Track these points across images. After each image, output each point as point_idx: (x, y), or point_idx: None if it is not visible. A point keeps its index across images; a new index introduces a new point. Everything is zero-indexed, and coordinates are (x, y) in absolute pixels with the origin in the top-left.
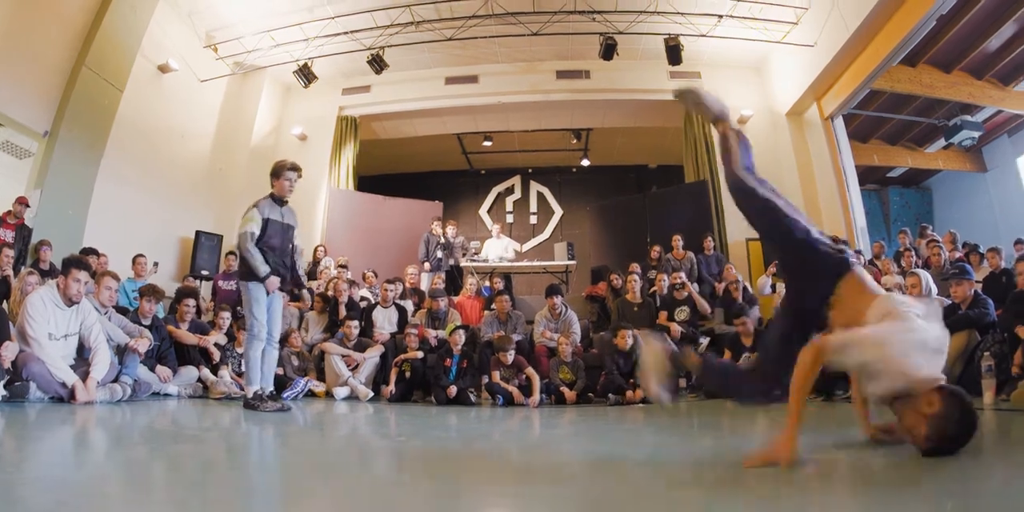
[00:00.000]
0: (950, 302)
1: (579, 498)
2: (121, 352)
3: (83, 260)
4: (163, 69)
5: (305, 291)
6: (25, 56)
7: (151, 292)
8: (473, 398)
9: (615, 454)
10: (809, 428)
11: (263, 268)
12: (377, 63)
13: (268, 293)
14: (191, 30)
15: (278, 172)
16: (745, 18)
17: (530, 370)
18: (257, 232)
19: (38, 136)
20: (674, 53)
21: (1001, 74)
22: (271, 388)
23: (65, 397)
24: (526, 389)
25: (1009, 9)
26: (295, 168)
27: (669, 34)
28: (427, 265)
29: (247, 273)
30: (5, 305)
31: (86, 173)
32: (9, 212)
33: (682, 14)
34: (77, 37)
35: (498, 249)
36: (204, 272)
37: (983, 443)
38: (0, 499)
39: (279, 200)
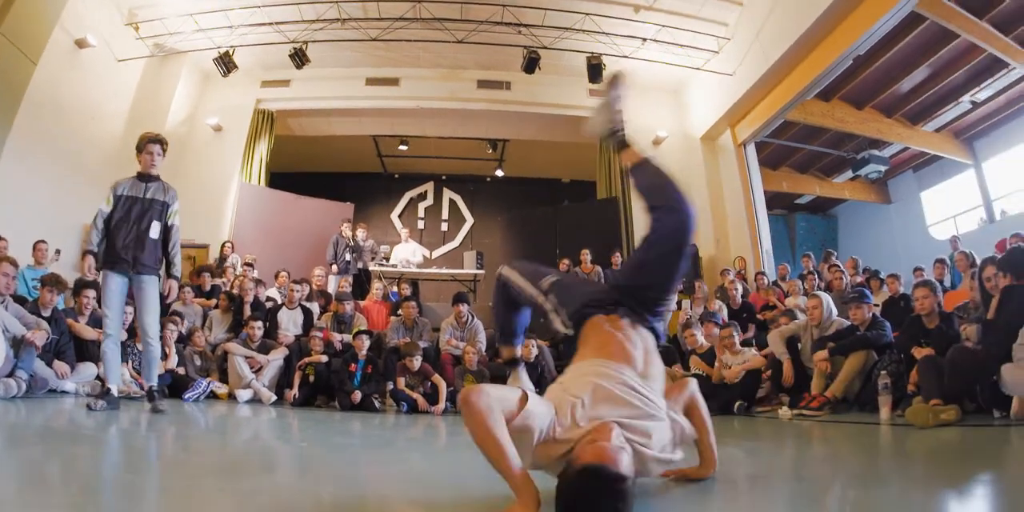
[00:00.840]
0: (849, 323)
1: (479, 505)
2: (17, 344)
3: None
4: (80, 44)
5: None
6: None
7: (54, 282)
8: (378, 404)
9: None
10: None
11: (89, 245)
12: (299, 57)
13: (86, 271)
14: (114, 6)
15: (140, 146)
16: (668, 43)
17: (437, 378)
18: (107, 210)
19: None
20: (595, 71)
21: (910, 114)
22: (148, 385)
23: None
24: (431, 397)
25: (923, 55)
26: (158, 140)
27: (592, 53)
28: (335, 267)
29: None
30: None
31: None
32: None
33: (607, 34)
34: None
35: (406, 253)
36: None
37: (880, 457)
38: None
39: (144, 176)
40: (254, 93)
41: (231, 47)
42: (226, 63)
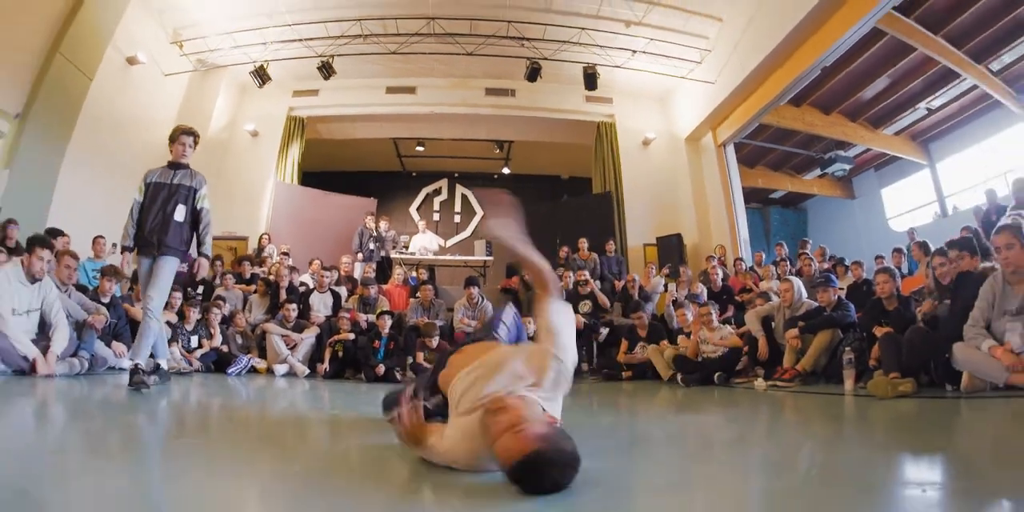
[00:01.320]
0: (817, 305)
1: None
2: (80, 328)
3: (46, 239)
4: (131, 61)
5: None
6: (1, 40)
7: (112, 272)
8: (399, 376)
9: None
10: None
11: (124, 241)
12: (326, 70)
13: (131, 264)
14: (160, 26)
15: (173, 136)
16: (656, 55)
17: None
18: (140, 199)
19: (10, 117)
20: (591, 80)
21: (872, 119)
22: (133, 363)
23: (26, 370)
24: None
25: (883, 66)
26: (190, 132)
27: (588, 63)
28: (360, 255)
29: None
30: None
31: (53, 155)
32: None
33: (601, 46)
34: (53, 25)
35: (424, 242)
36: None
37: (844, 425)
38: None
39: (174, 164)
40: (286, 102)
41: (265, 61)
42: (261, 75)
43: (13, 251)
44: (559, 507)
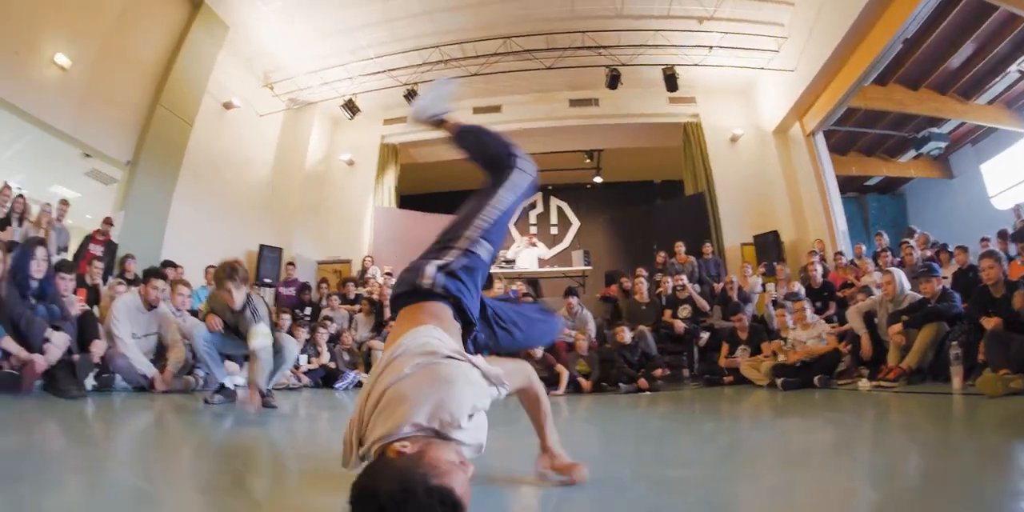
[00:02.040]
0: (921, 297)
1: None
2: (193, 349)
3: (160, 271)
4: (227, 106)
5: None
6: (109, 98)
7: None
8: None
9: (624, 436)
10: None
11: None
12: (412, 97)
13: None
14: (250, 72)
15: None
16: (733, 48)
17: (560, 366)
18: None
19: (121, 165)
20: (671, 81)
21: (963, 89)
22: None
23: (146, 386)
24: (547, 380)
25: (967, 30)
26: (229, 277)
27: (666, 64)
28: None
29: None
30: (96, 309)
31: (163, 196)
32: (98, 230)
33: (677, 46)
34: (152, 80)
35: (531, 255)
36: (267, 280)
37: (952, 426)
38: (92, 471)
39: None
40: (378, 130)
41: (353, 94)
42: (351, 108)
43: (132, 282)
44: None
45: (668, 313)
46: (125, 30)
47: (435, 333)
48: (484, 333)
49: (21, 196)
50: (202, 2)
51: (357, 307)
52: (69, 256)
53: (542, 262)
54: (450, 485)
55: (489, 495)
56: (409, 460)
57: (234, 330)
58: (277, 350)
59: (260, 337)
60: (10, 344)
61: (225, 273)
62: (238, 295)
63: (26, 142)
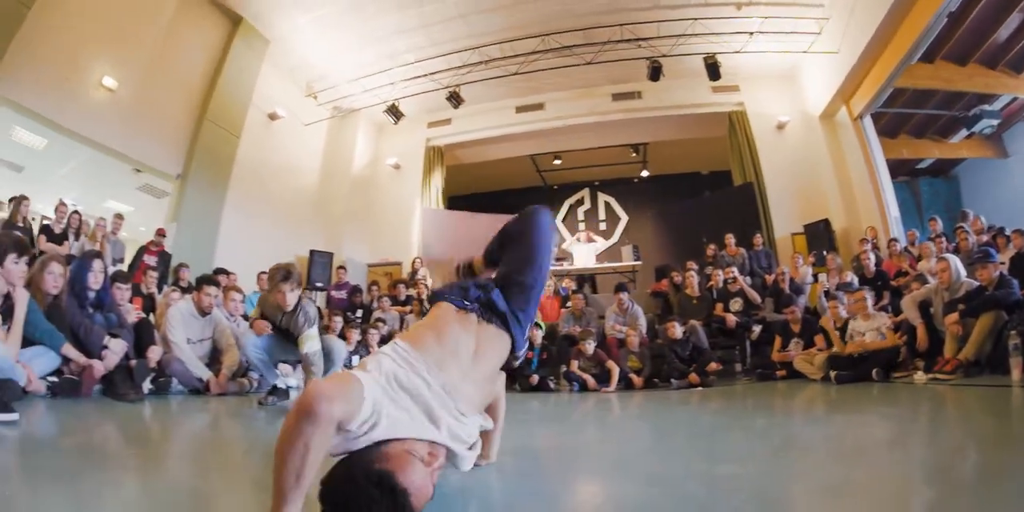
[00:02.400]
0: (978, 284)
1: (639, 472)
2: None
3: (212, 278)
4: (272, 117)
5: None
6: (157, 115)
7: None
8: (552, 385)
9: (675, 432)
10: None
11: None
12: (455, 99)
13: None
14: (293, 83)
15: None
16: (773, 33)
17: (611, 363)
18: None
19: (172, 178)
20: (713, 70)
21: (1013, 62)
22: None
23: (201, 389)
24: (598, 377)
25: (1014, 0)
26: (284, 279)
27: (707, 53)
28: None
29: None
30: (151, 317)
31: (214, 206)
32: (152, 241)
33: (716, 34)
34: (198, 96)
35: (589, 252)
36: (319, 284)
37: (1011, 421)
38: (148, 470)
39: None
40: (422, 134)
41: (396, 99)
42: (395, 113)
43: (186, 290)
44: (704, 510)
45: (720, 307)
46: (168, 50)
47: (398, 351)
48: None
49: (77, 212)
50: (241, 18)
51: (408, 308)
52: (125, 267)
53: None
54: (391, 469)
55: (541, 490)
56: (368, 450)
57: (283, 333)
58: (326, 352)
59: (310, 341)
60: (70, 351)
61: (280, 275)
62: (291, 297)
63: (80, 161)
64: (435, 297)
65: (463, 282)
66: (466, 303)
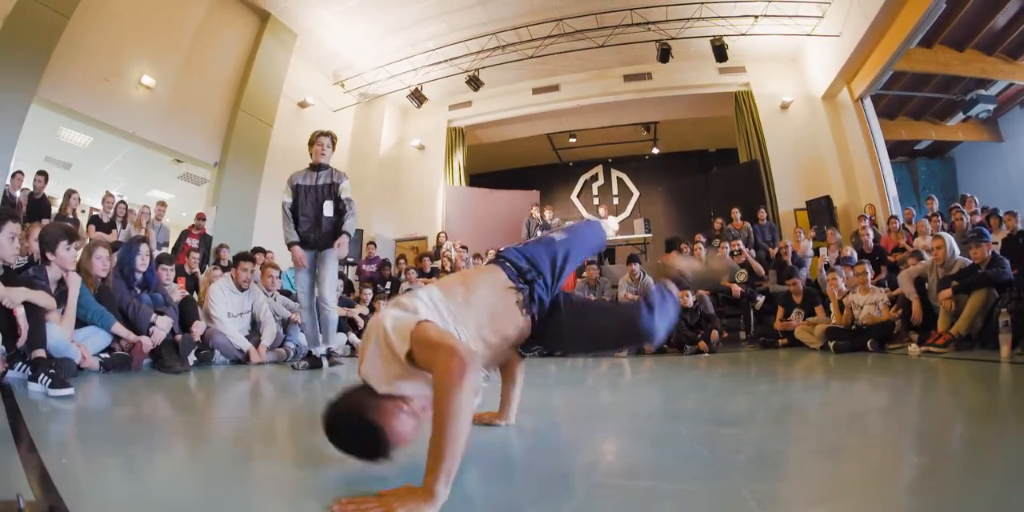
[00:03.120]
0: (971, 262)
1: (647, 432)
2: (285, 324)
3: (248, 254)
4: (302, 105)
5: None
6: (193, 108)
7: None
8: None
9: (682, 396)
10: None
11: (289, 237)
12: (474, 82)
13: (296, 263)
14: (321, 72)
15: (312, 140)
16: (778, 16)
17: None
18: (289, 201)
19: (210, 167)
20: (720, 52)
21: (1010, 49)
22: (326, 347)
23: (242, 360)
24: None
25: None
26: (326, 134)
27: (714, 36)
28: None
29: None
30: (195, 295)
31: (250, 190)
32: (193, 225)
33: (723, 17)
34: (232, 89)
35: (608, 227)
36: (350, 259)
37: (999, 395)
38: (192, 434)
39: (314, 166)
40: (444, 116)
41: (419, 84)
42: (418, 97)
43: (227, 269)
44: (708, 471)
45: (725, 278)
46: (201, 48)
47: (432, 297)
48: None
49: (123, 202)
50: (269, 14)
51: (434, 280)
52: (169, 250)
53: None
54: (379, 422)
55: (557, 447)
56: (368, 394)
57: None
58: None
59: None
60: (120, 329)
61: None
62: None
63: (123, 155)
64: (499, 257)
65: (534, 259)
66: (521, 284)
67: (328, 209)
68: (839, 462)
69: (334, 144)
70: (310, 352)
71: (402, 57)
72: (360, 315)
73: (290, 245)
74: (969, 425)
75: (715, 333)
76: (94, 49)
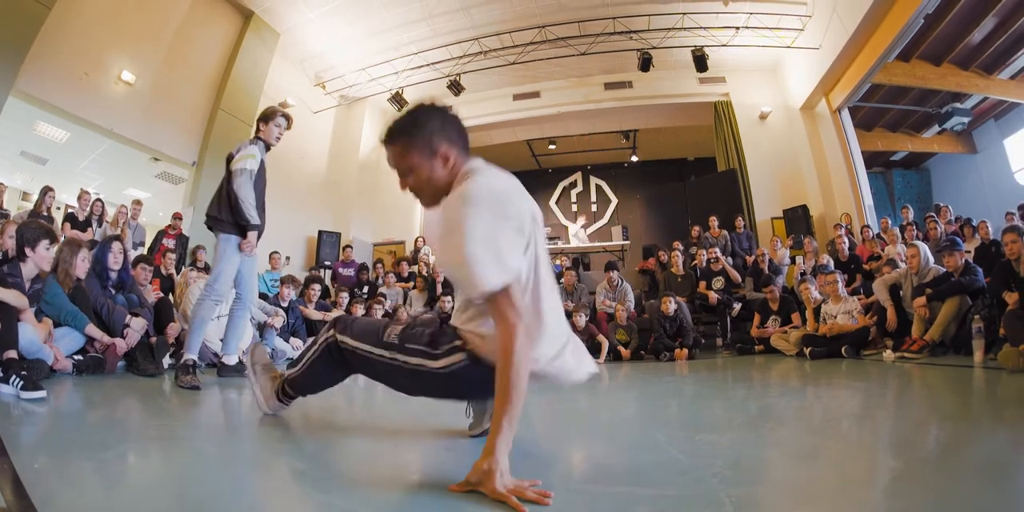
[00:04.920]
0: (945, 270)
1: (625, 438)
2: (261, 328)
3: None
4: (283, 105)
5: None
6: (173, 106)
7: (290, 281)
8: None
9: (659, 402)
10: None
11: (254, 219)
12: (455, 87)
13: (242, 249)
14: (302, 73)
15: (268, 116)
16: (759, 28)
17: (601, 337)
18: (255, 170)
19: (188, 166)
20: (700, 62)
21: (985, 64)
22: (234, 356)
23: (217, 363)
24: (589, 349)
25: (988, 5)
26: (286, 117)
27: (695, 46)
28: None
29: (227, 223)
30: (171, 297)
31: None
32: (170, 225)
33: (705, 28)
34: (212, 87)
35: (580, 236)
36: (327, 262)
37: (972, 399)
38: (165, 437)
39: (267, 146)
40: None
41: (400, 88)
42: (398, 101)
43: (204, 270)
44: (685, 476)
45: (703, 285)
46: (183, 44)
47: None
48: None
49: (99, 200)
50: (252, 13)
51: (411, 284)
52: (145, 250)
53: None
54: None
55: (534, 453)
56: None
57: None
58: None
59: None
60: (93, 331)
61: None
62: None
63: (101, 151)
64: None
65: None
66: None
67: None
68: (816, 466)
69: (289, 127)
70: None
71: (384, 60)
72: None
73: (252, 228)
74: (943, 428)
75: (686, 351)
76: (75, 42)
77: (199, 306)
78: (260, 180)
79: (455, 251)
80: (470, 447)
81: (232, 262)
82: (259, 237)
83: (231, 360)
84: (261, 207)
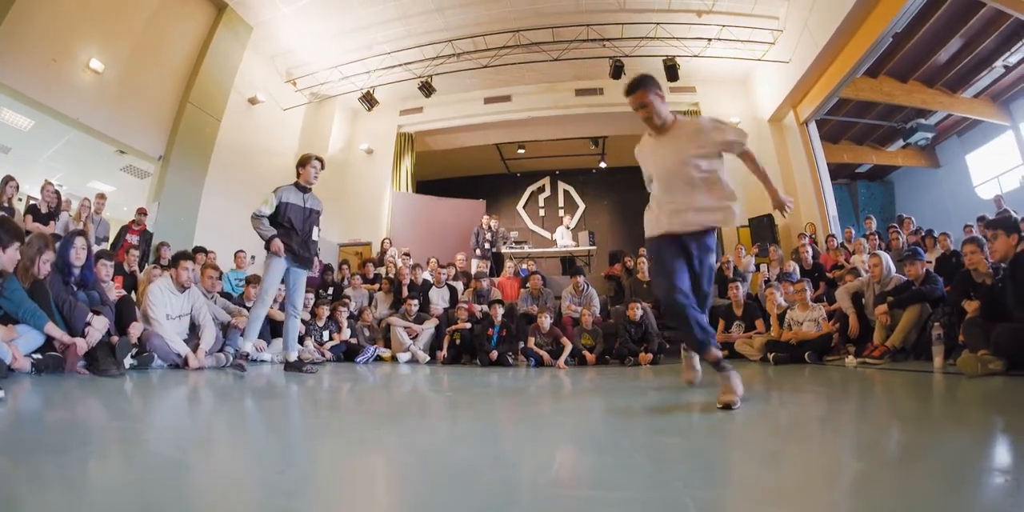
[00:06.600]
0: (906, 279)
1: (591, 442)
2: (225, 328)
3: (188, 253)
4: (252, 101)
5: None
6: (141, 98)
7: (256, 280)
8: (511, 361)
9: (624, 407)
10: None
11: (268, 232)
12: (427, 88)
13: (275, 254)
14: (274, 69)
15: (304, 162)
16: (731, 40)
17: (565, 339)
18: (267, 212)
19: (154, 160)
20: (672, 72)
21: (950, 83)
22: (294, 354)
23: (180, 364)
24: (554, 353)
25: (955, 27)
26: (319, 159)
27: (667, 56)
28: (478, 252)
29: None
30: (134, 295)
31: (194, 187)
32: (134, 221)
33: (677, 38)
34: (181, 80)
35: (567, 236)
36: None
37: (932, 403)
38: (129, 442)
39: (303, 187)
40: (395, 121)
41: (371, 87)
42: (369, 100)
43: (167, 268)
44: (650, 480)
45: None
46: (154, 34)
47: None
48: None
49: (58, 192)
50: (226, 5)
51: (377, 286)
52: (108, 246)
53: (548, 242)
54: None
55: (501, 457)
56: None
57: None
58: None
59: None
60: (53, 329)
61: None
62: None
63: (65, 142)
64: None
65: None
66: None
67: (315, 234)
68: (780, 469)
69: (323, 168)
70: (247, 355)
71: (356, 58)
72: (301, 320)
73: (272, 238)
74: (904, 431)
75: (651, 355)
76: (44, 26)
77: (254, 307)
78: (297, 214)
79: (739, 131)
80: None
81: (273, 274)
82: (305, 262)
83: (291, 357)
84: (306, 235)
